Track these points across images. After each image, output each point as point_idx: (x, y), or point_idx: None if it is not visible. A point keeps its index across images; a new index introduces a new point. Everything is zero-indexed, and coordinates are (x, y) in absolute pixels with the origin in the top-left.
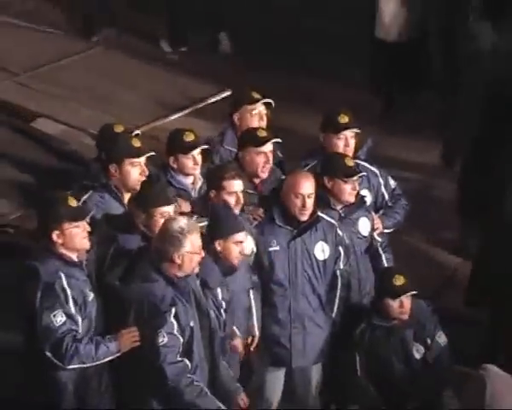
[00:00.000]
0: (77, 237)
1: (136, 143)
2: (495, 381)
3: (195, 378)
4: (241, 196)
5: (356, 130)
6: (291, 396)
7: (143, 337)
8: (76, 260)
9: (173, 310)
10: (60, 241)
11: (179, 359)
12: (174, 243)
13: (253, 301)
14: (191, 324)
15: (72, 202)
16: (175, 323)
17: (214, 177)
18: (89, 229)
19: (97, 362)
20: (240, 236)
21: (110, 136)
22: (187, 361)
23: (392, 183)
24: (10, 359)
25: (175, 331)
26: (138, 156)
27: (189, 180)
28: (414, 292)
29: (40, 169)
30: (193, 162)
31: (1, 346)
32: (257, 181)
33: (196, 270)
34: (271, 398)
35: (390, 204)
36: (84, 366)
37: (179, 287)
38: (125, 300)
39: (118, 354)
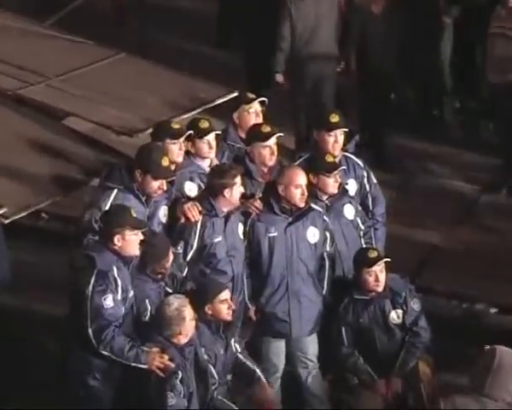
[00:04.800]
0: (133, 243)
1: (166, 162)
2: (504, 354)
3: None
4: (241, 187)
5: (345, 129)
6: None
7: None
8: (127, 258)
9: (180, 374)
10: (119, 244)
11: None
12: (176, 321)
13: (245, 281)
14: (191, 389)
15: (134, 214)
16: (181, 387)
17: (225, 176)
18: (142, 238)
19: (124, 361)
20: (224, 294)
21: (145, 151)
22: None
23: (374, 180)
24: (45, 330)
25: (181, 395)
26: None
27: (206, 163)
28: (386, 259)
29: (72, 161)
30: (208, 146)
31: (38, 318)
32: (265, 170)
33: (194, 339)
34: (278, 364)
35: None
36: (113, 357)
37: (184, 354)
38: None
39: (143, 367)
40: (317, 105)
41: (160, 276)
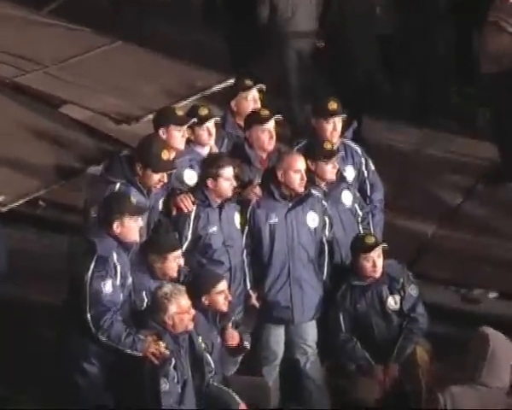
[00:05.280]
0: (132, 230)
1: (166, 155)
2: (497, 341)
3: None
4: (234, 180)
5: (343, 116)
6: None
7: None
8: (127, 244)
9: (173, 360)
10: (118, 230)
11: (176, 407)
12: (161, 307)
13: (246, 271)
14: (185, 376)
15: (133, 200)
16: (175, 373)
17: (210, 166)
18: (142, 224)
19: (120, 348)
20: (221, 285)
21: (145, 143)
22: (183, 408)
23: (372, 166)
24: (42, 315)
25: (175, 380)
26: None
27: (205, 150)
28: (384, 245)
29: (70, 149)
30: (208, 133)
31: (36, 306)
32: (264, 155)
33: (190, 327)
34: (278, 351)
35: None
36: (109, 343)
37: (178, 341)
38: None
39: (138, 355)
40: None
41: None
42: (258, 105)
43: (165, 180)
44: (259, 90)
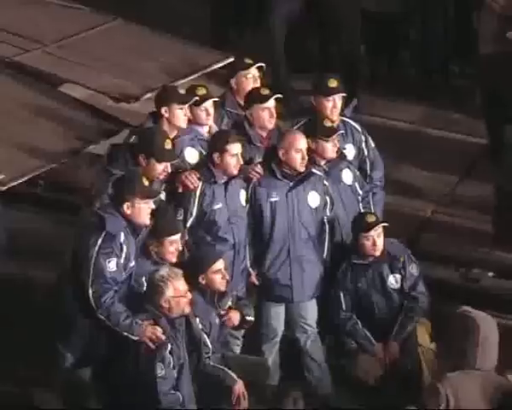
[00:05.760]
0: (143, 212)
1: (168, 145)
2: (485, 323)
3: None
4: (240, 157)
5: (343, 93)
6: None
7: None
8: (137, 227)
9: (169, 345)
10: (128, 211)
11: (173, 391)
12: (158, 290)
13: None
14: (181, 360)
15: (146, 182)
16: (171, 357)
17: (217, 141)
18: (153, 207)
19: (117, 328)
20: (218, 264)
21: (148, 135)
22: (179, 394)
23: (372, 144)
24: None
25: (171, 365)
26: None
27: (204, 129)
28: (384, 224)
29: (69, 128)
30: (206, 113)
31: (34, 284)
32: (264, 134)
33: (187, 310)
34: (277, 329)
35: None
36: (107, 322)
37: (175, 325)
38: None
39: (135, 339)
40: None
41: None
42: (258, 83)
43: (169, 170)
44: (259, 69)
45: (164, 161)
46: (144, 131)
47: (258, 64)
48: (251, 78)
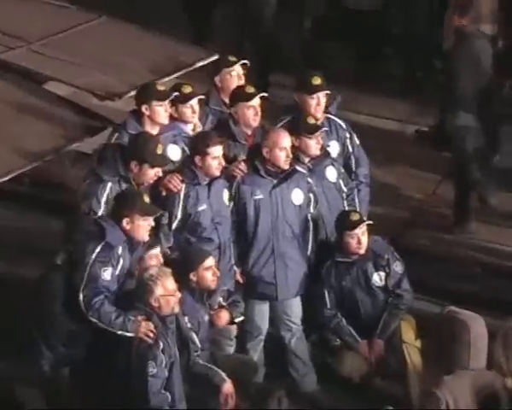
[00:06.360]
0: (141, 229)
1: (160, 150)
2: (474, 323)
3: None
4: (222, 159)
5: (327, 91)
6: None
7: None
8: (134, 242)
9: (161, 344)
10: (127, 227)
11: (163, 391)
12: (147, 289)
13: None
14: (172, 359)
15: (146, 199)
16: (162, 356)
17: (199, 144)
18: (153, 224)
19: (110, 329)
20: (208, 261)
21: (139, 140)
22: (168, 394)
23: (357, 141)
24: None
25: (163, 364)
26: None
27: (189, 127)
28: (368, 222)
29: (54, 125)
30: (191, 111)
31: (21, 283)
32: (249, 132)
33: (177, 309)
34: (262, 326)
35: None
36: (99, 324)
37: (166, 323)
38: None
39: (129, 335)
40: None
41: None
42: (243, 81)
43: (160, 174)
44: (243, 66)
45: (156, 165)
46: (135, 138)
47: (243, 61)
48: (235, 75)
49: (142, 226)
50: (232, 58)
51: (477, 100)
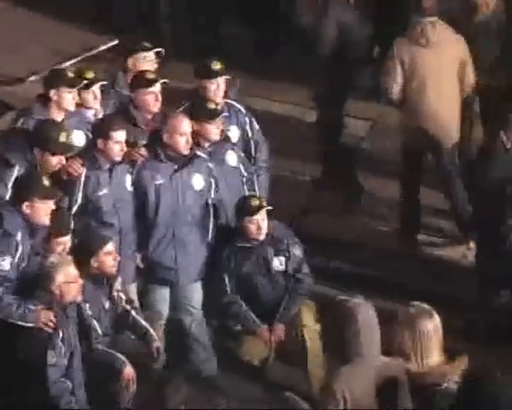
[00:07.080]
0: (41, 212)
1: (63, 138)
2: (362, 309)
3: (74, 400)
4: (124, 145)
5: (226, 76)
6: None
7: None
8: (35, 227)
9: (61, 333)
10: (27, 211)
11: (62, 379)
12: (48, 276)
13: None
14: (72, 348)
15: (46, 182)
16: (62, 345)
17: (102, 127)
18: (53, 208)
19: (11, 320)
20: (109, 246)
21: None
22: (69, 382)
23: (257, 126)
24: None
25: (62, 353)
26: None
27: (90, 112)
28: (268, 208)
29: None
30: (93, 97)
31: None
32: (149, 117)
33: (79, 298)
34: (163, 311)
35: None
36: (0, 317)
37: (66, 312)
38: None
39: (31, 325)
40: None
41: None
42: (155, 66)
43: (64, 162)
44: (157, 54)
45: (58, 153)
46: (38, 125)
47: (158, 49)
48: (149, 60)
49: (42, 209)
50: (147, 44)
51: None
